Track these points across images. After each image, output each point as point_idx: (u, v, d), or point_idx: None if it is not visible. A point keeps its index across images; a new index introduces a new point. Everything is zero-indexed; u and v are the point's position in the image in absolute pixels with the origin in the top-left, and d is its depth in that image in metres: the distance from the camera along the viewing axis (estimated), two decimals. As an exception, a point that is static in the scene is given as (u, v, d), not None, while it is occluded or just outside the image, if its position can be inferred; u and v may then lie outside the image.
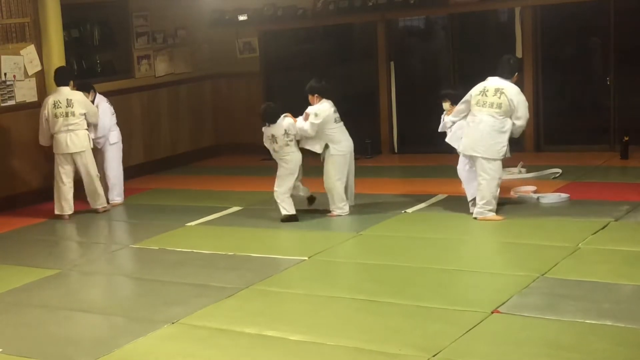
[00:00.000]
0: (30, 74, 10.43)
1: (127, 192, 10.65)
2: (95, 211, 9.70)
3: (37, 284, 7.13)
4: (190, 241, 8.19)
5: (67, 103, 9.46)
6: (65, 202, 9.56)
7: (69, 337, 5.85)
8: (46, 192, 10.54)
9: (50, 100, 9.52)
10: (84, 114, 9.52)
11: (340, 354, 5.16)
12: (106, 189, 9.99)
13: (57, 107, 9.44)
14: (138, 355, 5.42)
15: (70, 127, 9.44)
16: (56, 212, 9.58)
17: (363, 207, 9.00)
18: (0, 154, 10.20)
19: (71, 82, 9.78)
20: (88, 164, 9.56)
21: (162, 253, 7.91)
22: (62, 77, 9.67)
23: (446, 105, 8.63)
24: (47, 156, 9.81)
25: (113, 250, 8.27)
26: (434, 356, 4.99)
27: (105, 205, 9.79)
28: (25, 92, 10.41)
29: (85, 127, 9.55)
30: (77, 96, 9.57)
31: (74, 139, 9.47)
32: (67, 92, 9.54)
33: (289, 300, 6.28)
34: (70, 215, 9.57)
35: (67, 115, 9.43)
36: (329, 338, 5.41)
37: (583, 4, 11.10)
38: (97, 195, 9.69)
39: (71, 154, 9.50)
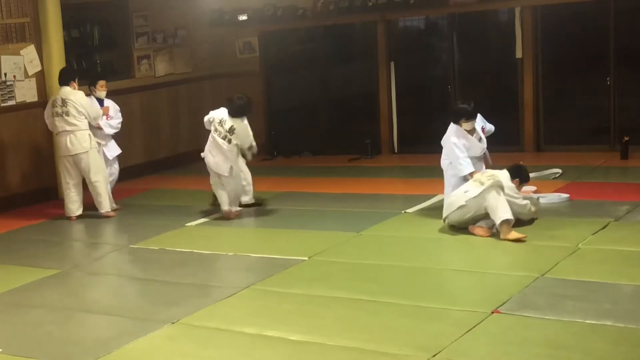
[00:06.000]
0: (30, 74, 10.43)
1: (127, 192, 10.67)
2: (101, 215, 9.46)
3: (37, 284, 7.13)
4: (190, 241, 8.19)
5: (62, 103, 9.27)
6: (72, 203, 9.43)
7: (69, 337, 5.85)
8: (46, 192, 10.56)
9: (51, 99, 9.52)
10: (84, 115, 9.29)
11: (340, 354, 5.16)
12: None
13: (55, 107, 9.33)
14: (138, 355, 5.42)
15: (68, 128, 9.26)
16: (66, 214, 9.47)
17: (363, 207, 9.01)
18: (0, 153, 10.20)
19: (73, 82, 9.44)
20: (90, 166, 9.31)
21: (162, 253, 7.91)
22: (63, 77, 9.49)
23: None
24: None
25: (113, 251, 8.27)
26: (434, 356, 4.99)
27: (109, 210, 9.48)
28: (25, 92, 10.41)
29: (86, 128, 9.32)
30: (76, 96, 9.34)
31: (73, 140, 9.27)
32: (65, 92, 9.32)
33: (289, 300, 6.27)
34: (77, 217, 9.44)
35: (62, 115, 9.27)
36: (329, 338, 5.41)
37: (583, 4, 11.10)
38: (100, 199, 9.42)
39: (73, 156, 9.32)
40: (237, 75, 13.15)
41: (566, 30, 11.58)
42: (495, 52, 12.23)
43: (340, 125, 12.99)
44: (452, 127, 8.17)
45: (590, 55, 11.47)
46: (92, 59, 11.86)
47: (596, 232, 7.36)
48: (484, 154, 8.30)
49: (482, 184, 7.48)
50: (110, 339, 5.73)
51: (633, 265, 6.46)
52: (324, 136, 13.06)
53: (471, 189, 7.54)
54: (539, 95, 11.50)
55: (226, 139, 8.76)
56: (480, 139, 8.20)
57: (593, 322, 5.33)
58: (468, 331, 5.31)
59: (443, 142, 8.26)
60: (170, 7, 12.50)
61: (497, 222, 7.33)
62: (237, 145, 8.81)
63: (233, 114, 8.82)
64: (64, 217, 9.56)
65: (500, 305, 5.71)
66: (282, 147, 12.92)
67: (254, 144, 9.02)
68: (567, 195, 8.67)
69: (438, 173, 10.65)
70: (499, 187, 7.43)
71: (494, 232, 7.45)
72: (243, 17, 12.80)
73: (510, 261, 6.95)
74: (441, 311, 5.75)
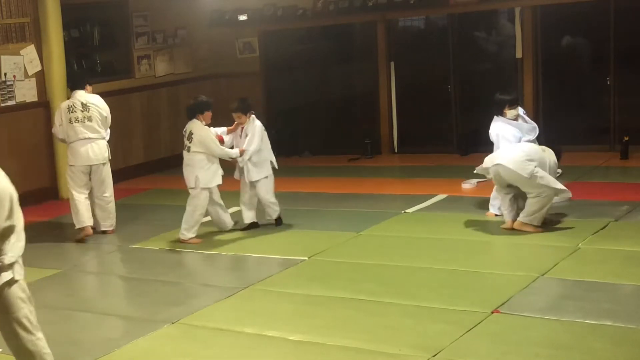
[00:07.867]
0: (30, 74, 10.44)
1: (127, 192, 10.67)
2: (104, 232, 8.77)
3: (37, 284, 7.11)
4: (190, 241, 8.19)
5: (83, 107, 8.51)
6: (88, 212, 8.60)
7: (69, 337, 5.85)
8: (46, 192, 10.55)
9: (63, 105, 8.66)
10: (105, 119, 8.59)
11: (340, 354, 5.16)
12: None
13: (73, 112, 8.51)
14: (138, 355, 5.42)
15: (90, 135, 8.48)
16: (77, 226, 8.61)
17: (363, 207, 9.00)
18: (0, 153, 10.19)
19: (88, 86, 8.73)
20: (104, 178, 8.64)
21: (162, 253, 7.91)
22: (77, 80, 8.81)
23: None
24: None
25: (113, 251, 8.27)
26: (434, 356, 4.99)
27: (113, 226, 8.85)
28: (25, 92, 10.41)
29: (105, 136, 8.64)
30: (97, 100, 8.64)
31: (95, 149, 8.53)
32: (83, 95, 8.58)
33: (289, 300, 6.28)
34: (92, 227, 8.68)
35: (84, 120, 8.51)
36: (329, 338, 5.41)
37: (583, 4, 11.09)
38: (106, 214, 8.77)
39: (91, 166, 8.58)
40: (237, 75, 13.14)
41: (566, 30, 11.58)
42: (495, 52, 12.23)
43: (340, 125, 12.98)
44: (496, 120, 7.98)
45: (590, 55, 11.47)
46: (92, 59, 11.86)
47: (596, 232, 7.36)
48: None
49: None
50: (110, 339, 5.73)
51: (633, 265, 6.46)
52: (324, 136, 13.05)
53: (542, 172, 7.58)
54: (539, 95, 11.50)
55: (186, 148, 8.05)
56: (526, 122, 8.06)
57: (593, 322, 5.33)
58: (468, 331, 5.32)
59: (491, 137, 8.04)
60: (170, 7, 12.50)
61: (524, 218, 7.45)
62: (199, 152, 7.94)
63: (188, 116, 8.18)
64: (62, 217, 9.52)
65: (500, 305, 5.71)
66: (282, 147, 12.89)
67: (229, 152, 8.13)
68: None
69: (438, 173, 10.70)
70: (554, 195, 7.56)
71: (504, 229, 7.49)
72: (243, 17, 12.80)
73: (510, 261, 6.95)
74: (441, 311, 5.75)
